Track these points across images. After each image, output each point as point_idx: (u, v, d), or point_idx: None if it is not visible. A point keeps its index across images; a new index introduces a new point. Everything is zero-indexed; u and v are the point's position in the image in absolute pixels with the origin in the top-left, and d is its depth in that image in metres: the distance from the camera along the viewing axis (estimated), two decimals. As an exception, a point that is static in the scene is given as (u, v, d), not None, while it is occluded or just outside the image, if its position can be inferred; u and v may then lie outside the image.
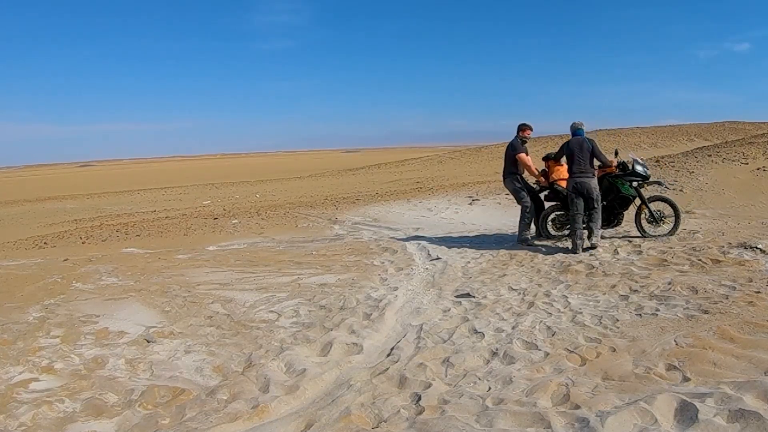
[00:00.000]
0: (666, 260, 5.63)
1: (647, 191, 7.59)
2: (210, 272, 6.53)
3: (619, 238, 7.15)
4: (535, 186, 7.60)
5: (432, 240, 8.16)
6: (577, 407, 2.76)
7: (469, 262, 6.46)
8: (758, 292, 4.31)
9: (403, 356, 3.67)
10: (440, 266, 6.36)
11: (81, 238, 11.85)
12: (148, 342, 4.14)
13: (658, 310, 4.17)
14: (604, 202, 7.25)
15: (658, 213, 7.09)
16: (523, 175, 7.54)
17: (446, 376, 3.33)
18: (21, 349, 3.94)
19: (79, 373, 3.58)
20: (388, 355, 3.76)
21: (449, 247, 7.44)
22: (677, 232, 6.92)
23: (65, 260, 7.70)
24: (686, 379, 2.99)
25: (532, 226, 7.53)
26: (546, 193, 7.52)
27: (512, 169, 7.50)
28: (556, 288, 5.07)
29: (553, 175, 7.34)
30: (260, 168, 66.01)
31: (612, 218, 7.32)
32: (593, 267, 5.66)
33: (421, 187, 18.89)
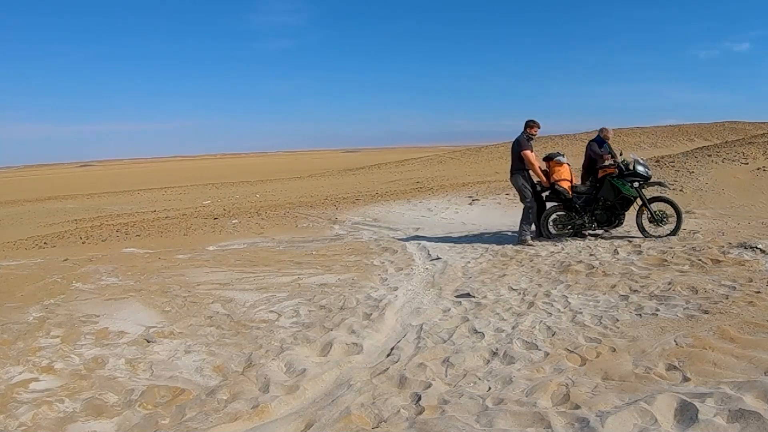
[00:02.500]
0: (666, 260, 5.63)
1: (648, 192, 7.59)
2: (210, 272, 6.53)
3: (619, 238, 7.16)
4: (537, 185, 7.60)
5: (432, 240, 8.16)
6: (577, 407, 2.75)
7: (469, 262, 6.46)
8: (758, 292, 4.31)
9: (403, 356, 3.67)
10: (440, 266, 6.36)
11: (81, 238, 11.85)
12: (148, 342, 4.14)
13: (658, 310, 4.17)
14: (608, 202, 7.28)
15: (660, 213, 7.09)
16: (530, 173, 7.46)
17: (446, 376, 3.32)
18: (21, 349, 3.94)
19: (79, 373, 3.58)
20: (388, 355, 3.76)
21: (449, 247, 7.45)
22: (679, 232, 6.92)
23: (65, 260, 7.70)
24: (686, 379, 2.99)
25: (533, 226, 7.54)
26: (547, 193, 7.52)
27: (519, 165, 7.40)
28: (556, 288, 5.07)
29: (554, 176, 7.33)
30: (260, 168, 65.98)
31: (613, 218, 7.35)
32: (593, 267, 5.66)
33: (421, 187, 18.88)
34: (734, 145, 14.96)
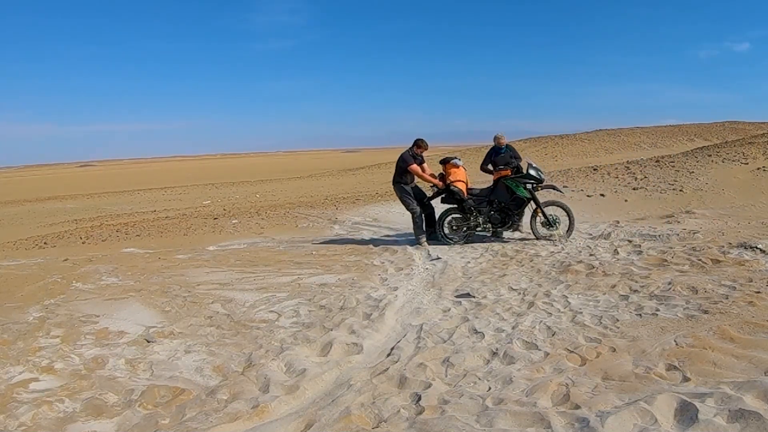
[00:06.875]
0: (666, 260, 5.63)
1: (542, 195, 7.84)
2: (210, 272, 6.53)
3: (620, 238, 7.17)
4: (432, 190, 7.95)
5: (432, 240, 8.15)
6: (577, 407, 2.75)
7: (469, 262, 6.46)
8: (758, 292, 4.31)
9: (403, 356, 3.67)
10: (440, 266, 6.36)
11: (81, 238, 11.86)
12: (148, 342, 4.14)
13: (658, 310, 4.17)
14: (502, 204, 7.59)
15: (553, 217, 7.43)
16: (417, 183, 7.99)
17: (446, 376, 3.32)
18: (21, 349, 3.94)
19: (79, 373, 3.58)
20: (388, 355, 3.75)
21: (449, 247, 7.45)
22: (572, 235, 7.30)
23: (65, 260, 7.70)
24: (686, 379, 2.98)
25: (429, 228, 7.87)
26: (443, 195, 7.79)
27: (399, 179, 7.92)
28: (556, 288, 5.07)
29: (449, 177, 7.65)
30: (260, 168, 66.01)
31: (507, 220, 7.64)
32: (593, 267, 5.66)
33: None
34: (734, 145, 14.98)
